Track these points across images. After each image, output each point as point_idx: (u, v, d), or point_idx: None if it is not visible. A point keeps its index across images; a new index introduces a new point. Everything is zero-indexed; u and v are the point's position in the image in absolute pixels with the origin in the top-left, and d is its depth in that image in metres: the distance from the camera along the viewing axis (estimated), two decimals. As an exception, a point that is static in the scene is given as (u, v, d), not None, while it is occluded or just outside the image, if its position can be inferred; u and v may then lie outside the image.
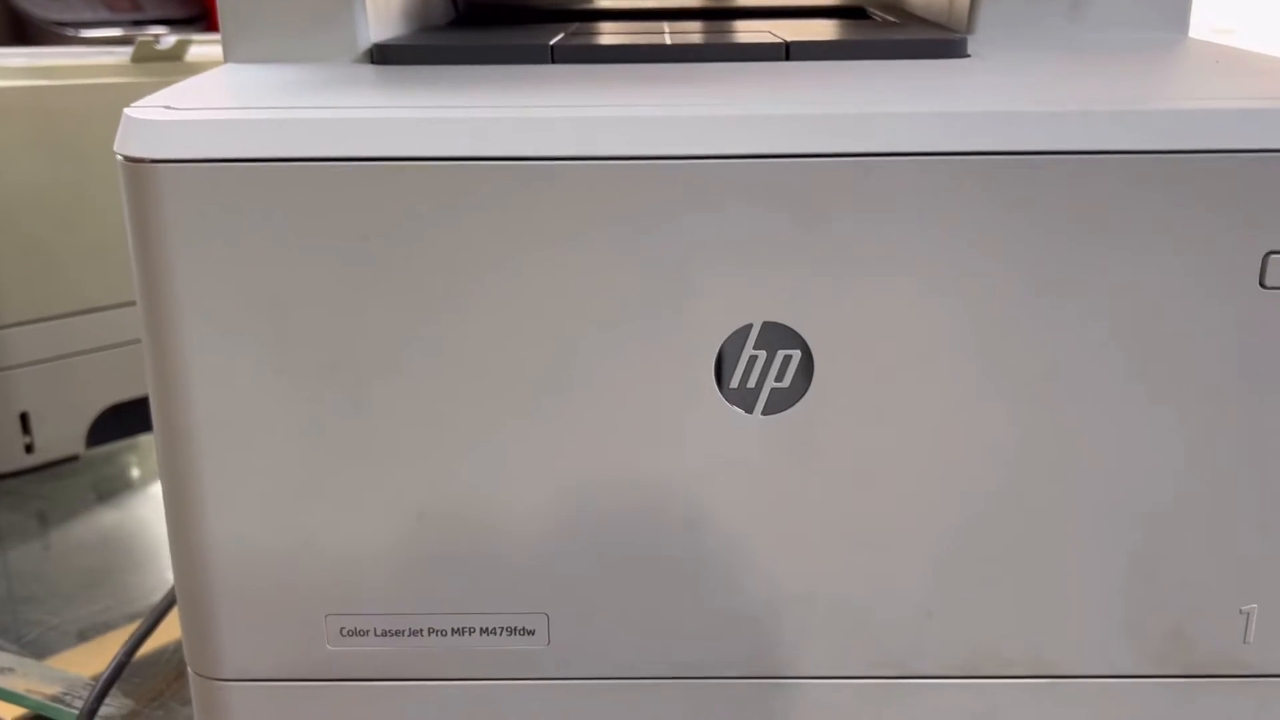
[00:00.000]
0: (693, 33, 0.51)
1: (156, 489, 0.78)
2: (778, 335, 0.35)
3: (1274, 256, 0.34)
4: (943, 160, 0.34)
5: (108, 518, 0.77)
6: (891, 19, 0.59)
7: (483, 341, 0.36)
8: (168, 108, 0.35)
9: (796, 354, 0.36)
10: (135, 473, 0.82)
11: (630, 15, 0.66)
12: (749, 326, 0.35)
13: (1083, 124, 0.34)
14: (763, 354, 0.36)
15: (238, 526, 0.37)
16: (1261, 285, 0.35)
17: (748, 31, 0.51)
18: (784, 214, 0.34)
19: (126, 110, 0.36)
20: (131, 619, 0.64)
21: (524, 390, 0.36)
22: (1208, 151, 0.33)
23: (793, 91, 0.38)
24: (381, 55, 0.43)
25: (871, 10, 0.65)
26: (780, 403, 0.36)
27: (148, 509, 0.78)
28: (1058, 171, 0.34)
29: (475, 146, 0.34)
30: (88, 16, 1.87)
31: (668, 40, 0.48)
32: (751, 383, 0.36)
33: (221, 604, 0.38)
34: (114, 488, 0.80)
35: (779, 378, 0.36)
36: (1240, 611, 0.38)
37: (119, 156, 0.35)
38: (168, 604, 0.54)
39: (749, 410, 0.36)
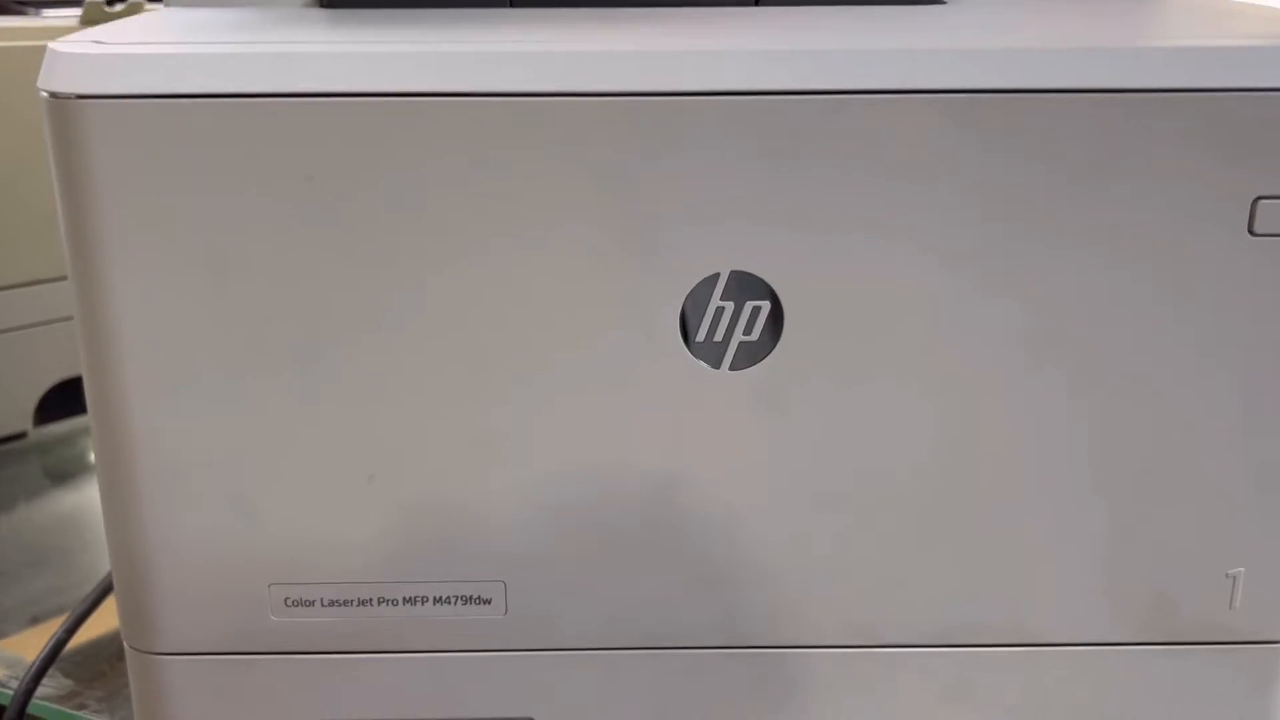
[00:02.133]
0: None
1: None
2: (746, 285, 0.34)
3: (1263, 202, 0.33)
4: (917, 99, 0.32)
5: (57, 497, 0.74)
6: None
7: (436, 291, 0.33)
8: (96, 42, 0.33)
9: (766, 305, 0.34)
10: (86, 450, 0.79)
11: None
12: (716, 276, 0.34)
13: (1061, 61, 0.32)
14: (730, 305, 0.34)
15: (175, 492, 0.35)
16: (1251, 232, 0.33)
17: None
18: (752, 156, 0.32)
19: (51, 44, 0.33)
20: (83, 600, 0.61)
21: (480, 345, 0.34)
22: (1193, 90, 0.32)
23: (762, 31, 0.36)
24: (331, -2, 0.41)
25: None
26: (749, 357, 0.34)
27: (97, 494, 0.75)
28: (1036, 111, 0.32)
29: (426, 81, 0.32)
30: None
31: None
32: (719, 336, 0.34)
33: (158, 574, 0.36)
34: (64, 466, 0.77)
35: (747, 330, 0.34)
36: (1226, 576, 0.36)
37: (42, 93, 0.33)
38: (108, 585, 0.52)
39: (716, 365, 0.34)
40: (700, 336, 0.34)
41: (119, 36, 0.34)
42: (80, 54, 0.32)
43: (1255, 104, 0.32)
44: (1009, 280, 0.34)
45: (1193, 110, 0.32)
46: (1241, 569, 0.36)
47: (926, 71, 0.32)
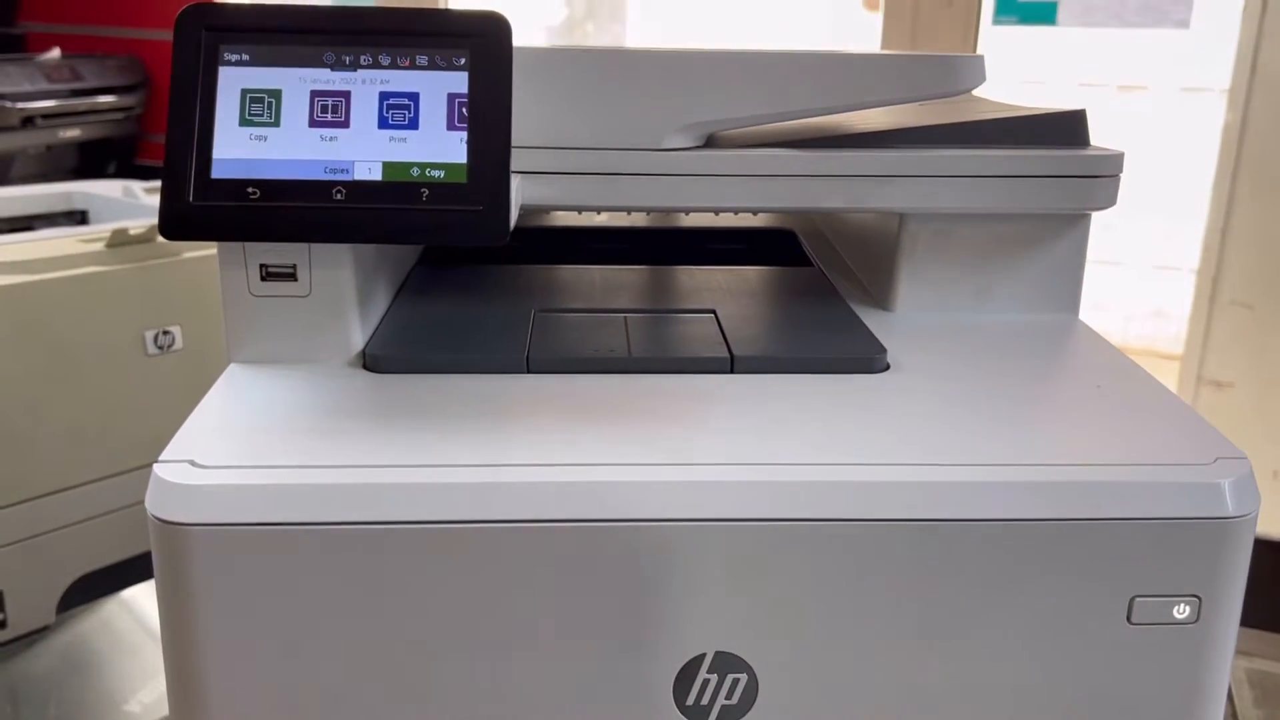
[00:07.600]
0: (641, 298, 0.58)
1: (122, 655, 0.82)
2: (728, 662, 0.41)
3: (1139, 600, 0.41)
4: (866, 524, 0.40)
5: (76, 686, 0.80)
6: (817, 264, 0.65)
7: (473, 672, 0.41)
8: (193, 464, 0.40)
9: (744, 677, 0.42)
10: (102, 641, 0.85)
11: (585, 243, 0.72)
12: (703, 655, 0.41)
13: (981, 496, 0.40)
14: (714, 677, 0.42)
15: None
16: (1129, 622, 0.41)
17: (689, 298, 0.58)
18: (733, 564, 0.40)
19: (157, 469, 0.40)
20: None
21: (508, 707, 0.41)
22: (1087, 520, 0.40)
23: (734, 446, 0.43)
24: (374, 363, 0.48)
25: (801, 239, 0.71)
26: (729, 717, 0.42)
27: (115, 678, 0.81)
28: (961, 532, 0.40)
29: (461, 512, 0.40)
30: (27, 88, 1.88)
31: (624, 299, 0.55)
32: (705, 700, 0.42)
33: None
34: (82, 656, 0.83)
35: (728, 696, 0.42)
36: None
37: (151, 515, 0.40)
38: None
39: (703, 722, 0.42)
40: (690, 700, 0.42)
41: (211, 453, 0.41)
42: (184, 485, 0.40)
43: (1132, 528, 0.41)
44: (937, 662, 0.42)
45: (1086, 532, 0.41)
46: None
47: (872, 503, 0.40)
